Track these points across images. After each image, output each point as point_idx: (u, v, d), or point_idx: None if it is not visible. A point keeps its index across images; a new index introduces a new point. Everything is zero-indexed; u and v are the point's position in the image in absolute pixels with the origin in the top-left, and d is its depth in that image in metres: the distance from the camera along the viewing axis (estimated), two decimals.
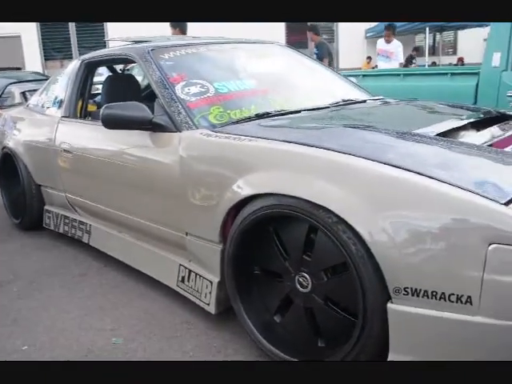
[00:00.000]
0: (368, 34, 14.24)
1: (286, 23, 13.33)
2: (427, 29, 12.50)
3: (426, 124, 2.00)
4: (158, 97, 2.27)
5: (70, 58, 11.24)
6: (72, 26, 12.34)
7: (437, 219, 1.38)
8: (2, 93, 5.42)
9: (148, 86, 3.45)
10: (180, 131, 2.12)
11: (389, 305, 1.46)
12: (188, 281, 2.19)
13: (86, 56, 3.14)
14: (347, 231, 1.50)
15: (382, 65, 7.02)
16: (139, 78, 3.70)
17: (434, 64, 13.65)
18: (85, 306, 2.38)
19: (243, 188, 1.80)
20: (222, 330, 2.09)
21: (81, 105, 3.09)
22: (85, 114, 3.10)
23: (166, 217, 2.24)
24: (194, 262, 2.19)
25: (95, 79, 3.46)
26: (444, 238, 1.37)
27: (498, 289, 1.30)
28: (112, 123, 2.23)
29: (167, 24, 4.87)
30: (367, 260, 1.47)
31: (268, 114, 2.24)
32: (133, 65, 4.96)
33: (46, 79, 4.10)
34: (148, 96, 3.32)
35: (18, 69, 9.43)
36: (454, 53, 16.38)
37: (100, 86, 3.51)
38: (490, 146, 1.78)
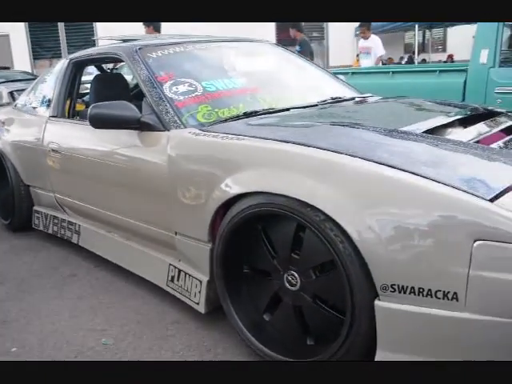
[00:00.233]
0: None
1: None
2: (416, 26, 12.53)
3: (413, 121, 2.01)
4: (145, 96, 2.26)
5: (59, 57, 11.13)
6: (61, 25, 12.22)
7: (423, 216, 1.38)
8: None
9: (137, 85, 3.44)
10: (168, 130, 2.12)
11: (376, 302, 1.47)
12: (178, 280, 2.19)
13: (74, 55, 3.12)
14: (334, 229, 1.50)
15: (364, 62, 6.94)
16: (128, 78, 3.69)
17: (423, 61, 13.70)
18: (75, 307, 2.37)
19: (231, 187, 1.80)
20: (211, 329, 2.09)
21: (69, 104, 3.07)
22: (73, 114, 3.08)
23: (155, 216, 2.24)
24: (183, 261, 2.19)
25: (84, 78, 3.44)
26: (430, 235, 1.37)
27: (484, 285, 1.31)
28: (99, 123, 2.22)
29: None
30: (355, 258, 1.47)
31: (256, 112, 2.24)
32: (121, 64, 4.94)
33: (35, 79, 4.06)
34: (137, 95, 3.31)
35: (7, 68, 9.35)
36: (444, 50, 16.43)
37: (89, 85, 3.49)
38: (477, 142, 1.80)
